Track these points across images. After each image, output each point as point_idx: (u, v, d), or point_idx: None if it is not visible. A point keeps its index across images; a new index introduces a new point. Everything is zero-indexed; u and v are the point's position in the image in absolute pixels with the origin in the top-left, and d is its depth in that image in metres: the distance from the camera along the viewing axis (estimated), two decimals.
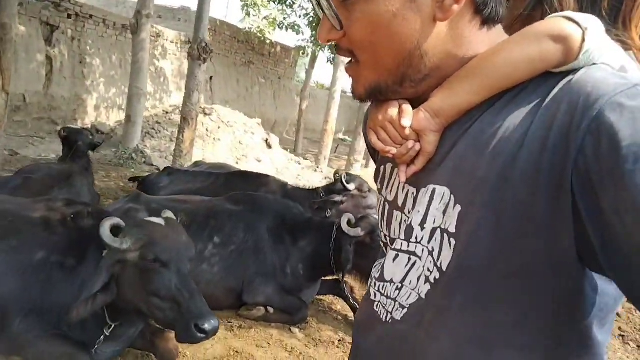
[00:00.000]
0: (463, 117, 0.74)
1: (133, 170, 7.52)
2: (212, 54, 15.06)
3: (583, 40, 0.65)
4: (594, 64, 0.65)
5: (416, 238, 0.78)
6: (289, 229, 3.83)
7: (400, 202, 0.85)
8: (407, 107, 0.77)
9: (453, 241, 0.71)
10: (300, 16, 14.66)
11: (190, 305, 2.24)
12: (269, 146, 10.72)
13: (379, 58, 0.76)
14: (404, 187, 0.84)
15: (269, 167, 9.55)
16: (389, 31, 0.73)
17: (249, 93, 16.91)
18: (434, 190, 0.75)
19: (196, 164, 6.09)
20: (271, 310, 3.54)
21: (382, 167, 0.92)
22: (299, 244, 3.80)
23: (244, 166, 8.57)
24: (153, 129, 9.34)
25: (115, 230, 2.38)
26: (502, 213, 0.65)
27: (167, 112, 10.25)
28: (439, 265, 0.74)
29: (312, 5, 0.78)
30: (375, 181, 0.95)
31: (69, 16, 10.33)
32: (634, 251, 0.54)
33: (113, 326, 2.62)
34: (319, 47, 14.41)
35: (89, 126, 10.13)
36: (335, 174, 4.81)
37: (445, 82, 0.75)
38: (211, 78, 14.75)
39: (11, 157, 7.45)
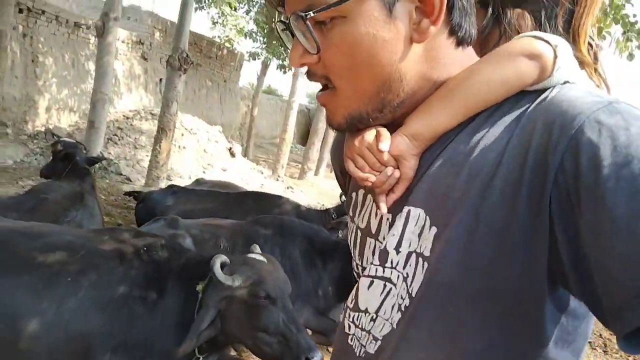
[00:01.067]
0: (441, 137, 0.74)
1: (107, 181, 7.27)
2: (164, 54, 14.64)
3: (555, 57, 0.67)
4: (566, 81, 0.67)
5: (391, 263, 0.76)
6: (319, 252, 4.01)
7: (373, 229, 0.83)
8: (384, 132, 0.76)
9: (426, 264, 0.70)
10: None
11: (299, 340, 2.39)
12: (232, 155, 10.70)
13: (359, 84, 0.74)
14: (376, 213, 0.82)
15: (234, 177, 9.54)
16: (369, 54, 0.70)
17: (197, 96, 16.61)
18: (408, 212, 0.74)
19: (198, 182, 6.04)
20: (309, 332, 3.71)
21: (354, 193, 0.89)
22: (328, 266, 3.99)
23: (210, 176, 8.53)
24: (115, 135, 9.04)
25: (222, 267, 2.47)
26: (476, 232, 0.64)
27: (127, 118, 9.93)
28: (410, 292, 0.73)
29: (276, 31, 0.79)
30: (347, 209, 0.93)
31: (21, 11, 9.71)
32: (603, 272, 0.53)
33: (201, 358, 2.70)
34: (272, 55, 14.50)
35: (43, 129, 9.60)
36: (340, 196, 5.04)
37: (421, 105, 0.75)
38: (160, 80, 14.36)
39: None
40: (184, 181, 7.47)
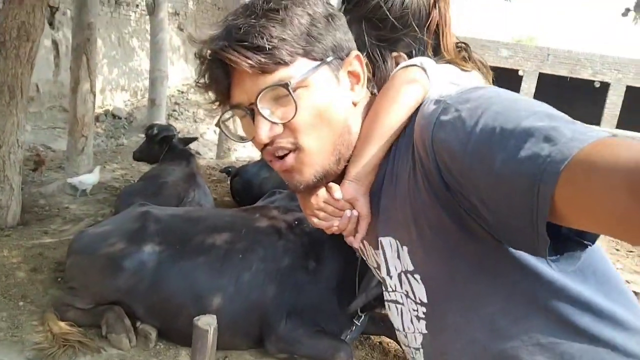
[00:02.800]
0: (377, 174, 0.87)
1: None
2: (199, 23, 14.60)
3: (424, 69, 0.86)
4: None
5: (391, 287, 0.92)
6: None
7: (375, 265, 0.99)
8: (333, 185, 0.88)
9: (417, 276, 0.84)
10: None
11: None
12: None
13: (322, 140, 0.84)
14: (373, 252, 0.97)
15: None
16: (329, 113, 0.84)
17: None
18: (382, 243, 0.89)
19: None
20: None
21: (360, 245, 1.01)
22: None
23: None
24: (174, 110, 9.25)
25: None
26: (428, 238, 0.78)
27: (182, 92, 10.11)
28: (419, 301, 0.85)
29: (241, 111, 0.84)
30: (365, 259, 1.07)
31: None
32: (502, 225, 0.67)
33: (363, 316, 2.98)
34: None
35: (102, 111, 9.88)
36: None
37: (354, 151, 0.89)
38: None
39: (53, 154, 7.29)
40: (256, 151, 7.70)
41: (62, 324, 2.87)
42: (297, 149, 0.84)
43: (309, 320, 2.95)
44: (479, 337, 0.78)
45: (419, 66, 0.87)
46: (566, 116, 0.65)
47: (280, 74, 0.79)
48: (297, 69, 0.80)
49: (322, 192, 0.88)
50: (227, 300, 2.86)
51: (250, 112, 0.82)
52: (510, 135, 0.62)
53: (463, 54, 1.00)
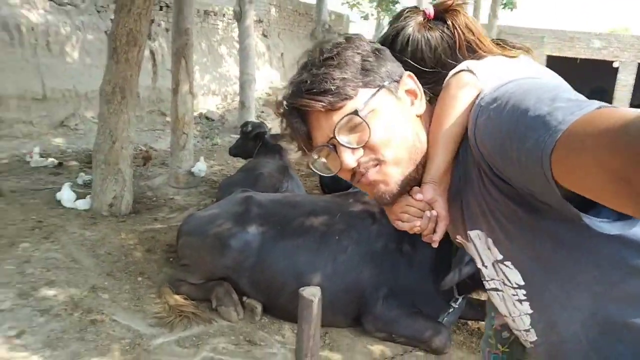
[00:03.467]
0: (453, 175, 0.96)
1: None
2: (280, 29, 15.04)
3: (471, 71, 0.93)
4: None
5: (489, 276, 1.00)
6: None
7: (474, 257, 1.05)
8: (414, 188, 0.96)
9: (508, 263, 0.90)
10: None
11: None
12: None
13: (399, 151, 0.93)
14: (467, 246, 1.03)
15: None
16: (398, 128, 0.94)
17: None
18: (470, 236, 0.97)
19: None
20: None
21: (462, 240, 1.07)
22: None
23: None
24: (263, 112, 9.64)
25: None
26: (506, 228, 0.86)
27: (269, 95, 10.50)
28: (516, 285, 0.91)
29: (325, 150, 0.96)
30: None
31: (161, 8, 10.58)
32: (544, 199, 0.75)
33: (460, 299, 3.00)
34: (388, 11, 14.38)
35: (197, 114, 10.52)
36: None
37: (426, 158, 0.97)
38: (282, 55, 14.91)
39: (155, 152, 7.87)
40: None
41: (177, 297, 3.16)
42: (379, 163, 0.94)
43: (405, 301, 3.02)
44: (582, 305, 0.82)
45: (466, 70, 0.95)
46: (566, 93, 0.73)
47: (349, 106, 0.91)
48: (361, 99, 0.92)
49: (403, 198, 0.97)
50: (325, 279, 3.00)
51: (332, 147, 0.94)
52: (522, 127, 0.71)
53: (504, 47, 1.08)
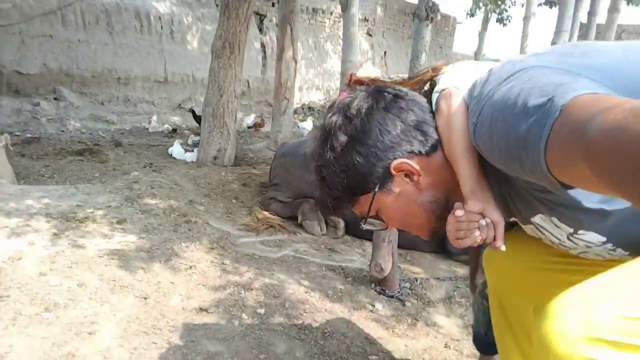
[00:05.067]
0: (489, 178, 0.95)
1: None
2: (385, 28, 15.13)
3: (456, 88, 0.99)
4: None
5: (572, 248, 0.99)
6: None
7: (549, 242, 1.04)
8: (455, 205, 0.96)
9: (580, 232, 0.92)
10: None
11: None
12: None
13: (418, 222, 1.03)
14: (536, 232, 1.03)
15: None
16: (406, 214, 1.02)
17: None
18: (535, 222, 0.97)
19: None
20: None
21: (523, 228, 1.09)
22: None
23: None
24: None
25: None
26: (554, 206, 0.88)
27: None
28: (600, 243, 0.93)
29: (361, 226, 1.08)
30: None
31: (273, 4, 11.14)
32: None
33: None
34: (493, 5, 13.90)
35: (300, 105, 10.89)
36: None
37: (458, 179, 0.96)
38: (385, 53, 14.97)
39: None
40: None
41: (266, 212, 3.25)
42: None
43: None
44: None
45: (446, 88, 0.99)
46: (546, 79, 0.74)
47: (356, 210, 1.06)
48: (361, 205, 1.04)
49: (450, 217, 0.98)
50: None
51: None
52: (514, 151, 0.75)
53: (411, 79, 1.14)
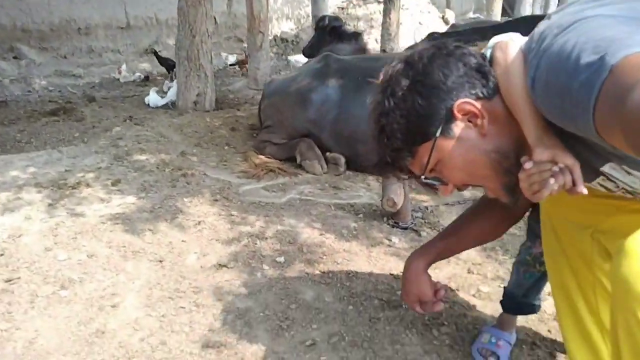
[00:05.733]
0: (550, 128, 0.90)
1: None
2: None
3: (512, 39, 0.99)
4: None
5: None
6: None
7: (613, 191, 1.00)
8: (522, 159, 0.93)
9: None
10: None
11: None
12: (446, 22, 10.31)
13: (483, 173, 0.98)
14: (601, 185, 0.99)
15: None
16: (472, 160, 0.97)
17: None
18: (604, 172, 0.92)
19: (454, 26, 5.99)
20: None
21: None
22: None
23: None
24: None
25: None
26: (622, 155, 0.85)
27: (342, 8, 10.17)
28: None
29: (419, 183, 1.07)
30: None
31: None
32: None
33: None
34: None
35: (272, 37, 10.46)
36: None
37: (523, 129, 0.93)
38: None
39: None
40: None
41: (262, 157, 3.16)
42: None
43: None
44: None
45: (503, 40, 0.98)
46: (602, 33, 0.70)
47: (415, 164, 1.02)
48: (421, 156, 0.99)
49: (522, 173, 0.93)
50: None
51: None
52: (563, 82, 0.74)
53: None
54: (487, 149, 0.96)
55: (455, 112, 0.95)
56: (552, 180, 0.88)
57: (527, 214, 1.44)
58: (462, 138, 0.96)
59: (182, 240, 2.16)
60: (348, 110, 2.98)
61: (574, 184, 0.88)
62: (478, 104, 0.95)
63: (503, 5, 11.99)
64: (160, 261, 1.99)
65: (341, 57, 3.29)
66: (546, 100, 0.81)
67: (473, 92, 0.95)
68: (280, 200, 2.64)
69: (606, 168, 0.92)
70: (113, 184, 2.73)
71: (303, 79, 3.13)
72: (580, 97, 0.69)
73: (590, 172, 0.95)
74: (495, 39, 1.01)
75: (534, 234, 1.41)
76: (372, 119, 1.03)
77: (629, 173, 0.90)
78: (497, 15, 11.15)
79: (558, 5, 11.58)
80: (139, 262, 1.98)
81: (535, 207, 1.40)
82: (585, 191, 0.89)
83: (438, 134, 0.96)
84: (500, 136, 0.96)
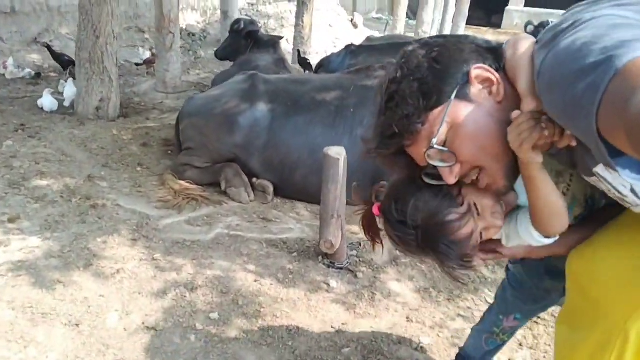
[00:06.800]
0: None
1: None
2: None
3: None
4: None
5: (635, 203, 0.92)
6: None
7: (611, 195, 0.98)
8: (513, 113, 0.91)
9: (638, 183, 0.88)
10: None
11: None
12: (355, 26, 10.46)
13: (494, 149, 0.92)
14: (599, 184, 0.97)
15: None
16: (485, 130, 0.92)
17: None
18: (597, 173, 0.90)
19: (369, 39, 6.03)
20: None
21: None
22: None
23: (339, 48, 8.42)
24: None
25: None
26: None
27: (252, 4, 9.93)
28: None
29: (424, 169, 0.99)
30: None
31: None
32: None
33: None
34: None
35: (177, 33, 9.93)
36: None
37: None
38: None
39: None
40: (320, 57, 7.46)
41: (182, 182, 2.93)
42: (480, 169, 0.96)
43: None
44: None
45: (515, 37, 0.98)
46: (610, 35, 0.70)
47: (423, 135, 0.93)
48: (433, 123, 0.92)
49: (510, 127, 0.90)
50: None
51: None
52: (569, 81, 0.73)
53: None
54: (501, 119, 0.93)
55: (472, 76, 0.93)
56: (536, 133, 0.87)
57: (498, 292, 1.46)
58: (477, 102, 0.93)
59: (100, 295, 1.92)
60: (279, 135, 2.86)
61: (564, 132, 0.86)
62: (494, 71, 0.95)
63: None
64: (77, 325, 1.75)
65: (268, 77, 3.15)
66: (549, 96, 0.80)
67: (487, 63, 0.95)
68: (206, 237, 2.46)
69: (599, 169, 0.90)
70: (10, 221, 2.38)
71: (229, 101, 2.95)
72: (585, 97, 0.69)
73: (586, 171, 0.94)
74: (507, 39, 1.01)
75: (507, 307, 1.42)
76: (379, 91, 0.99)
77: (620, 176, 0.89)
78: (401, 19, 11.49)
79: (456, 11, 12.12)
80: (51, 327, 1.73)
81: (509, 282, 1.40)
82: (574, 143, 0.87)
83: (454, 96, 0.92)
84: (509, 111, 0.93)
